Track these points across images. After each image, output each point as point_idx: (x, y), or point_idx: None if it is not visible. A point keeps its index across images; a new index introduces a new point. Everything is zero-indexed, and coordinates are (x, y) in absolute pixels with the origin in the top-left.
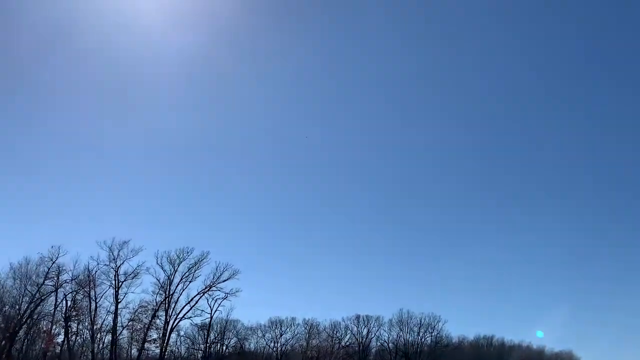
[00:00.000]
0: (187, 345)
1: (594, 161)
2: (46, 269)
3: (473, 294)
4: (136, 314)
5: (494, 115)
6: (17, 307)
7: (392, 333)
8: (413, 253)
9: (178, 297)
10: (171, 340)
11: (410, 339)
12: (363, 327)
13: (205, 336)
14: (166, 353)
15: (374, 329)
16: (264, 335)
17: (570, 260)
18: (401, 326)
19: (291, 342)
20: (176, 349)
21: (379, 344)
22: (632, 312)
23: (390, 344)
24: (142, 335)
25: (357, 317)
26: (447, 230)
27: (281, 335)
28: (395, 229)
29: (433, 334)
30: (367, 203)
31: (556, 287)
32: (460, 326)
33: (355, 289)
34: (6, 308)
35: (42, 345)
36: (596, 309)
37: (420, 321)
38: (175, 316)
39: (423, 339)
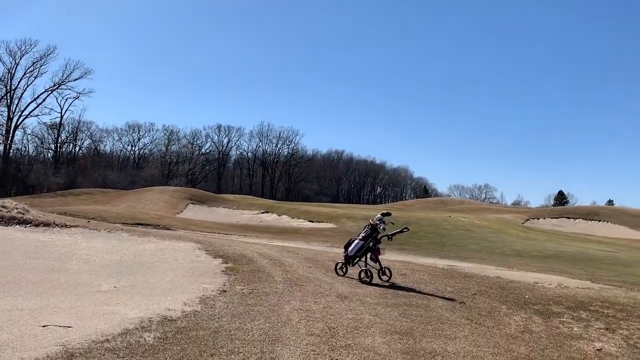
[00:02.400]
0: (35, 144)
1: None
2: None
3: (329, 112)
4: None
5: None
6: None
7: (251, 144)
8: (278, 68)
9: (22, 94)
10: (17, 138)
11: (268, 149)
12: (224, 136)
13: (56, 136)
14: (11, 151)
15: (234, 138)
16: (120, 139)
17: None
18: (261, 137)
19: (150, 146)
20: (23, 148)
21: (238, 153)
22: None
23: (249, 154)
24: None
25: (219, 126)
26: (312, 47)
27: (139, 140)
28: (260, 44)
29: (290, 146)
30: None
31: (396, 112)
32: (315, 141)
33: (218, 100)
34: None
35: None
36: (426, 133)
37: (279, 134)
38: (19, 113)
39: (280, 151)
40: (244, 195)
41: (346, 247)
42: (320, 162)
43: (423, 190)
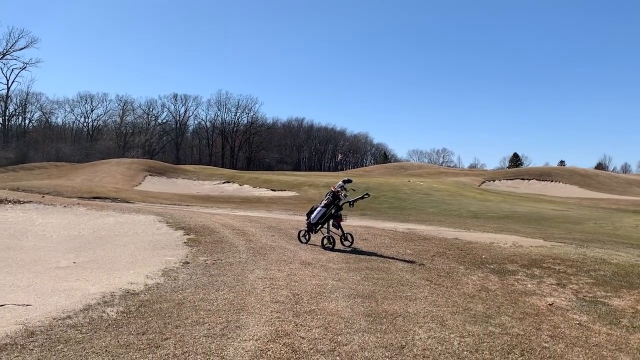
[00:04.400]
0: None
1: None
2: None
3: (288, 80)
4: None
5: None
6: None
7: (210, 113)
8: (235, 36)
9: None
10: None
11: (227, 118)
12: (181, 105)
13: (3, 108)
14: None
15: (192, 107)
16: (72, 110)
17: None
18: (219, 106)
19: (103, 117)
20: None
21: (196, 122)
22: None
23: (208, 123)
24: None
25: (175, 95)
26: (267, 14)
27: (92, 111)
28: (216, 13)
29: (250, 115)
30: None
31: (355, 78)
32: (275, 109)
33: (174, 68)
34: None
35: None
36: (385, 99)
37: (238, 102)
38: None
39: (240, 119)
40: (204, 166)
41: (308, 214)
42: (281, 130)
43: (383, 156)
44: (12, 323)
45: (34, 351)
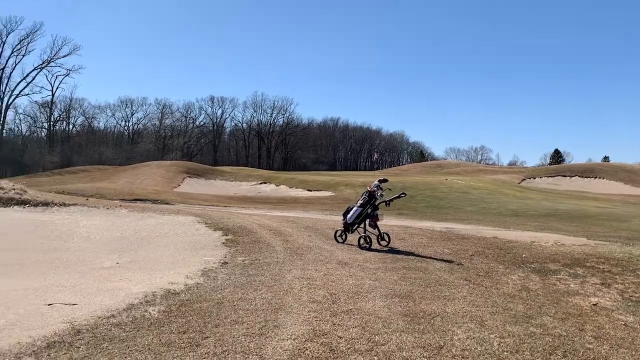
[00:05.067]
0: (28, 124)
1: None
2: None
3: (323, 80)
4: None
5: None
6: None
7: (246, 114)
8: (269, 37)
9: (11, 73)
10: (9, 118)
11: (263, 120)
12: (218, 108)
13: (48, 114)
14: (4, 131)
15: (228, 109)
16: (113, 114)
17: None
18: (255, 108)
19: (143, 121)
20: (16, 128)
21: (233, 124)
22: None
23: (244, 125)
24: None
25: (212, 98)
26: (302, 14)
27: (132, 115)
28: (250, 13)
29: (285, 115)
30: None
31: (391, 77)
32: (310, 109)
33: (210, 71)
34: None
35: None
36: (421, 98)
37: (274, 103)
38: (9, 93)
39: (276, 120)
40: (241, 167)
41: (345, 214)
42: (316, 131)
43: (419, 155)
44: (59, 321)
45: (81, 349)
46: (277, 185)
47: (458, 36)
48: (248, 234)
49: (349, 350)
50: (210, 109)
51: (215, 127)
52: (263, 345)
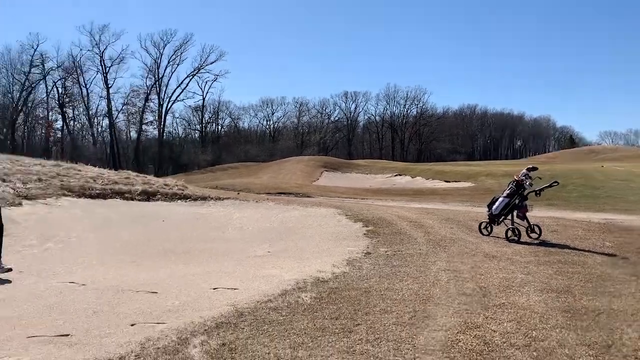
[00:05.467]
0: (183, 127)
1: None
2: (29, 57)
3: (457, 65)
4: (129, 98)
5: None
6: (10, 95)
7: (379, 107)
8: (395, 29)
9: (168, 81)
10: (167, 122)
11: (396, 111)
12: (351, 102)
13: (200, 117)
14: (164, 134)
15: (361, 103)
16: (256, 114)
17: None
18: (388, 100)
19: (282, 119)
20: (173, 130)
21: (366, 117)
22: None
23: (377, 117)
24: (139, 118)
25: (345, 93)
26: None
27: (273, 114)
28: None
29: (419, 105)
30: None
31: (533, 57)
32: (445, 98)
33: (343, 67)
34: None
35: (43, 132)
36: (569, 78)
37: (407, 94)
38: (167, 99)
39: (409, 111)
40: (375, 160)
41: (489, 205)
42: (452, 119)
43: (568, 140)
44: (224, 304)
45: (245, 330)
46: (412, 177)
47: (609, 6)
48: (388, 226)
49: (505, 345)
50: (344, 104)
51: (349, 121)
52: (415, 335)
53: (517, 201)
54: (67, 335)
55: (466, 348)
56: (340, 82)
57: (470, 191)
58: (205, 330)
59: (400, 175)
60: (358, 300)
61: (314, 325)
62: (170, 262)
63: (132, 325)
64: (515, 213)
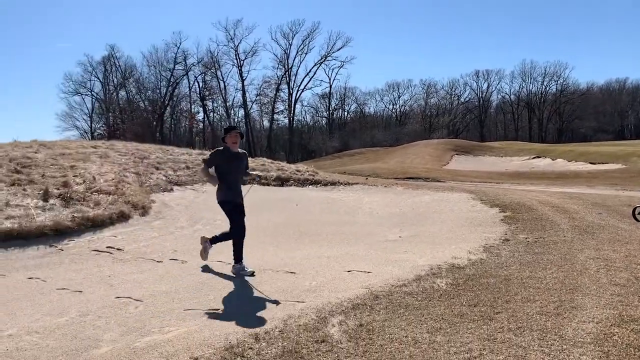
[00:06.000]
0: (311, 114)
1: None
2: (173, 55)
3: (603, 36)
4: (261, 89)
5: None
6: (158, 91)
7: (513, 85)
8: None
9: (297, 70)
10: (297, 110)
11: (533, 89)
12: (483, 81)
13: (327, 104)
14: (294, 122)
15: (494, 82)
16: (382, 99)
17: None
18: (524, 77)
19: (409, 102)
20: (302, 118)
21: (499, 97)
22: None
23: (512, 96)
24: (270, 107)
25: (477, 72)
26: None
27: (399, 97)
28: None
29: (559, 82)
30: None
31: None
32: (589, 72)
33: (474, 45)
34: (149, 93)
35: (187, 123)
36: None
37: (545, 70)
38: (297, 88)
39: (547, 88)
40: (510, 142)
41: None
42: (598, 95)
43: None
44: (359, 287)
45: (381, 312)
46: (552, 160)
47: None
48: (528, 211)
49: None
50: (475, 83)
51: (481, 102)
52: (562, 326)
53: None
54: (217, 309)
55: (622, 342)
56: (470, 60)
57: (620, 173)
58: (342, 310)
59: (538, 157)
60: (497, 288)
61: (452, 311)
62: (305, 245)
63: (274, 302)
64: None
